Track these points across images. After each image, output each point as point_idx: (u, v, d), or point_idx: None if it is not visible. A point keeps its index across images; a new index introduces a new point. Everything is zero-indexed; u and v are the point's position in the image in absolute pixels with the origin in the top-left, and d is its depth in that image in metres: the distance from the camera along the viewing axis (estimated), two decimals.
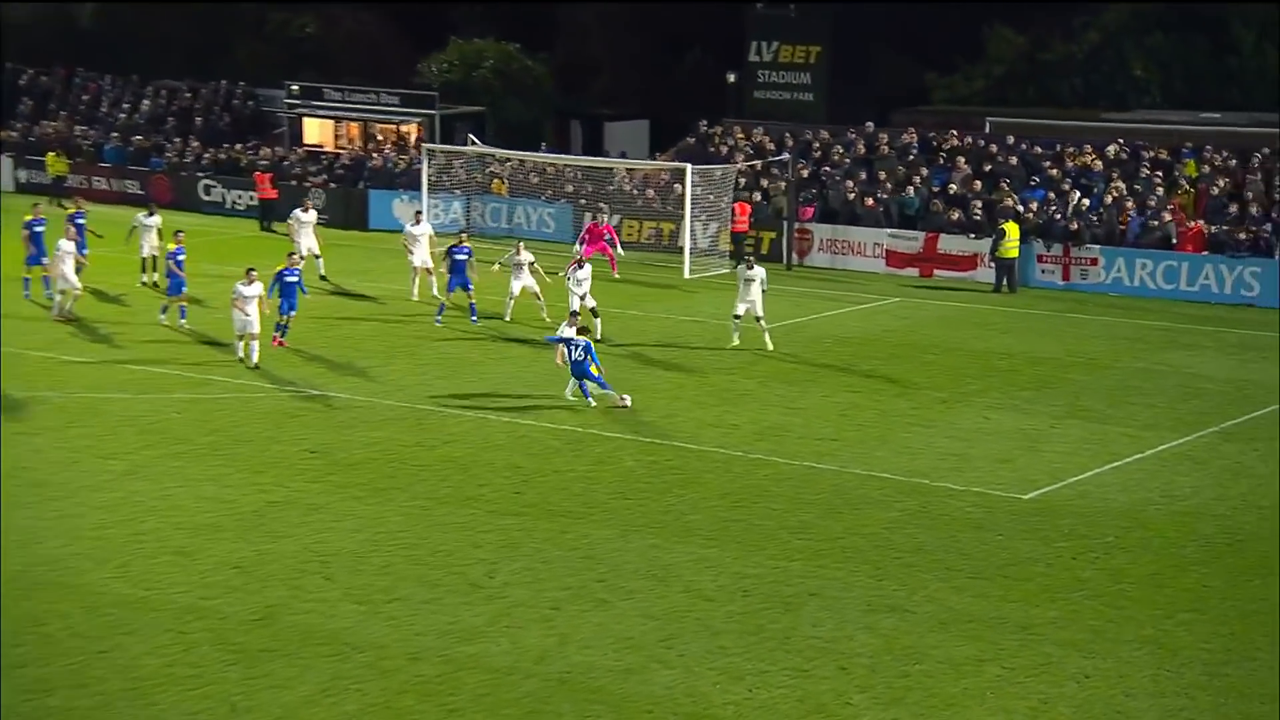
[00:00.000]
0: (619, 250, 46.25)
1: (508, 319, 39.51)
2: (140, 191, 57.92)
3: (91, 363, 34.94)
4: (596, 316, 37.09)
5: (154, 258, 43.15)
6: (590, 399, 31.43)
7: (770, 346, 36.84)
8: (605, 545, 24.13)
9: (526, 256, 39.79)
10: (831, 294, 45.51)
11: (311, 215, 46.04)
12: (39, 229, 41.38)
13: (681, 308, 43.13)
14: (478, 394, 33.04)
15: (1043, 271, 47.23)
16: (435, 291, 41.22)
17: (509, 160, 54.65)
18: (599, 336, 35.89)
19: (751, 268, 37.10)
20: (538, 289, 39.34)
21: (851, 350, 38.03)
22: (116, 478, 26.85)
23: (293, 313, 36.42)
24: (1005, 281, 46.23)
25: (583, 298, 37.12)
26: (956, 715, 18.85)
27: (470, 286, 39.45)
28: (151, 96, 65.67)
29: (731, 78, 61.41)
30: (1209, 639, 21.20)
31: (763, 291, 36.88)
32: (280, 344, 36.05)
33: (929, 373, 35.65)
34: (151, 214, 44.34)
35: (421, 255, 42.29)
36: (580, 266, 37.91)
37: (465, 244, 40.21)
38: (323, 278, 44.92)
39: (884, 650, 20.55)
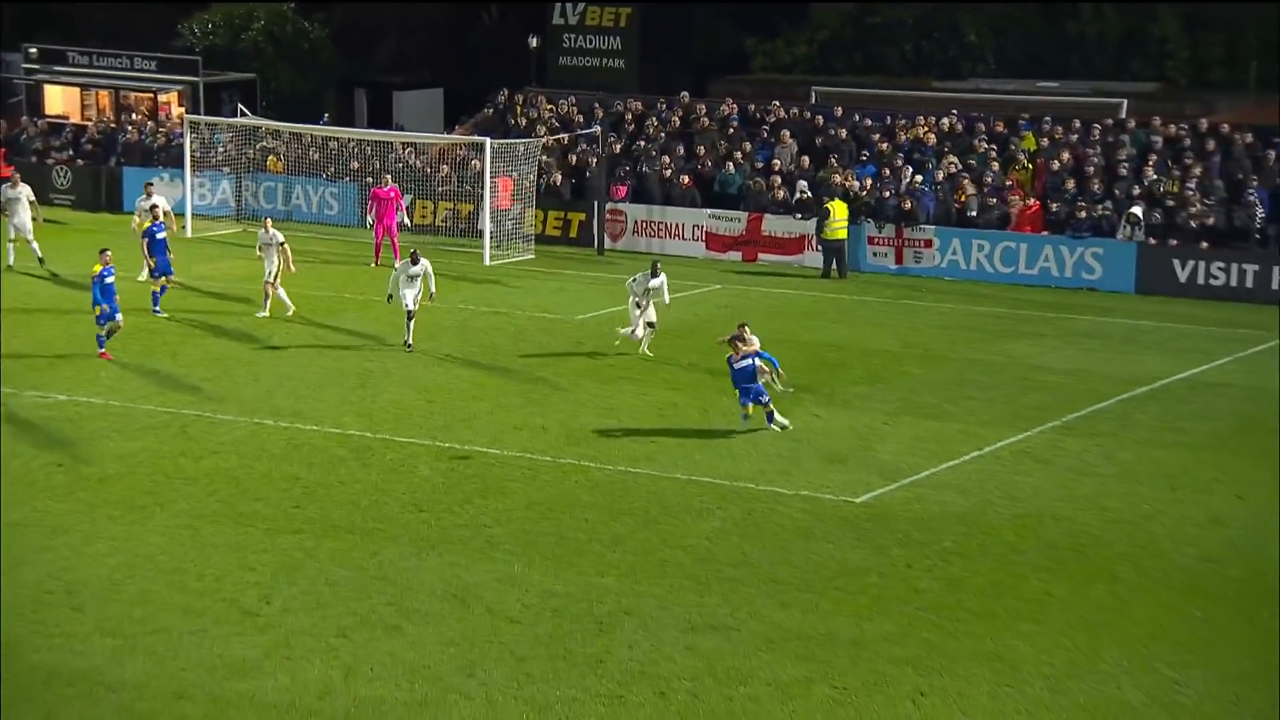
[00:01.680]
0: (407, 220, 46.28)
1: (265, 313, 39.51)
2: None
3: None
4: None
5: None
6: None
7: (649, 353, 36.92)
8: (398, 564, 23.99)
9: (277, 235, 39.72)
10: None
11: (23, 190, 45.26)
12: None
13: (481, 298, 43.05)
14: (250, 397, 32.72)
15: (874, 255, 47.93)
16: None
17: (284, 134, 54.06)
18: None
19: (656, 275, 36.61)
20: (277, 270, 39.50)
21: (670, 343, 38.14)
22: None
23: (117, 317, 35.66)
24: (834, 265, 46.79)
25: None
26: None
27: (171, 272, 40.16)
28: None
29: (534, 42, 61.42)
30: (1051, 652, 21.64)
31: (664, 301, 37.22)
32: (105, 356, 35.44)
33: None
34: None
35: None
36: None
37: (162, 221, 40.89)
38: (40, 261, 44.31)
39: (706, 673, 20.71)
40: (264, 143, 53.85)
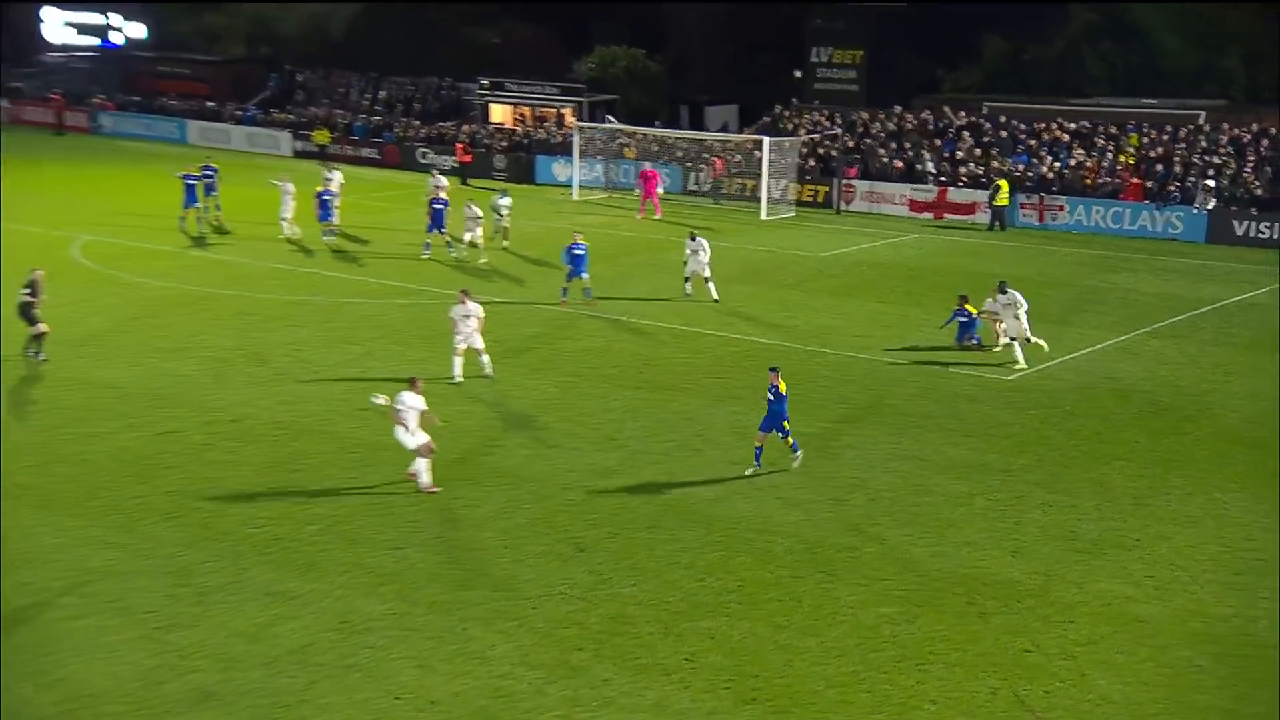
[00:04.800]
0: (660, 190, 45.86)
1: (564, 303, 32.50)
2: (378, 156, 58.24)
3: (342, 277, 34.72)
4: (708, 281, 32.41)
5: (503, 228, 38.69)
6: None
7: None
8: (700, 411, 24.09)
9: (506, 200, 38.44)
10: (867, 231, 44.85)
11: (337, 175, 40.90)
12: (327, 197, 38.25)
13: (757, 241, 42.74)
14: (611, 298, 32.74)
15: (1024, 215, 46.22)
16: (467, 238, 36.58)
17: (635, 133, 54.15)
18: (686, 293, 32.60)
19: (695, 239, 32.67)
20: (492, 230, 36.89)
21: (880, 272, 37.50)
22: (358, 359, 26.91)
23: (584, 277, 31.36)
24: (997, 223, 45.37)
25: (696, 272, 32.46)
26: (956, 533, 18.75)
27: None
28: (385, 88, 65.82)
29: (798, 74, 60.36)
30: (1136, 480, 20.93)
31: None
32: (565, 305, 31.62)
33: (937, 290, 35.09)
34: (505, 193, 39.67)
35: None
36: (693, 239, 32.59)
37: (443, 195, 37.63)
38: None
39: (901, 486, 20.43)
40: (621, 139, 53.95)
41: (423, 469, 19.49)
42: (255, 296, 31.87)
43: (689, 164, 52.14)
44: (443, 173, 43.68)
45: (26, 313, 26.00)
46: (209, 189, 40.60)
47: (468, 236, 36.35)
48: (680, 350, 28.38)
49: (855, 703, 14.18)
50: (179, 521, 18.29)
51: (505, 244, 38.28)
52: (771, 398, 20.44)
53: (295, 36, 71.33)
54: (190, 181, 39.71)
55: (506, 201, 39.19)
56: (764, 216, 47.19)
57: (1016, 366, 27.03)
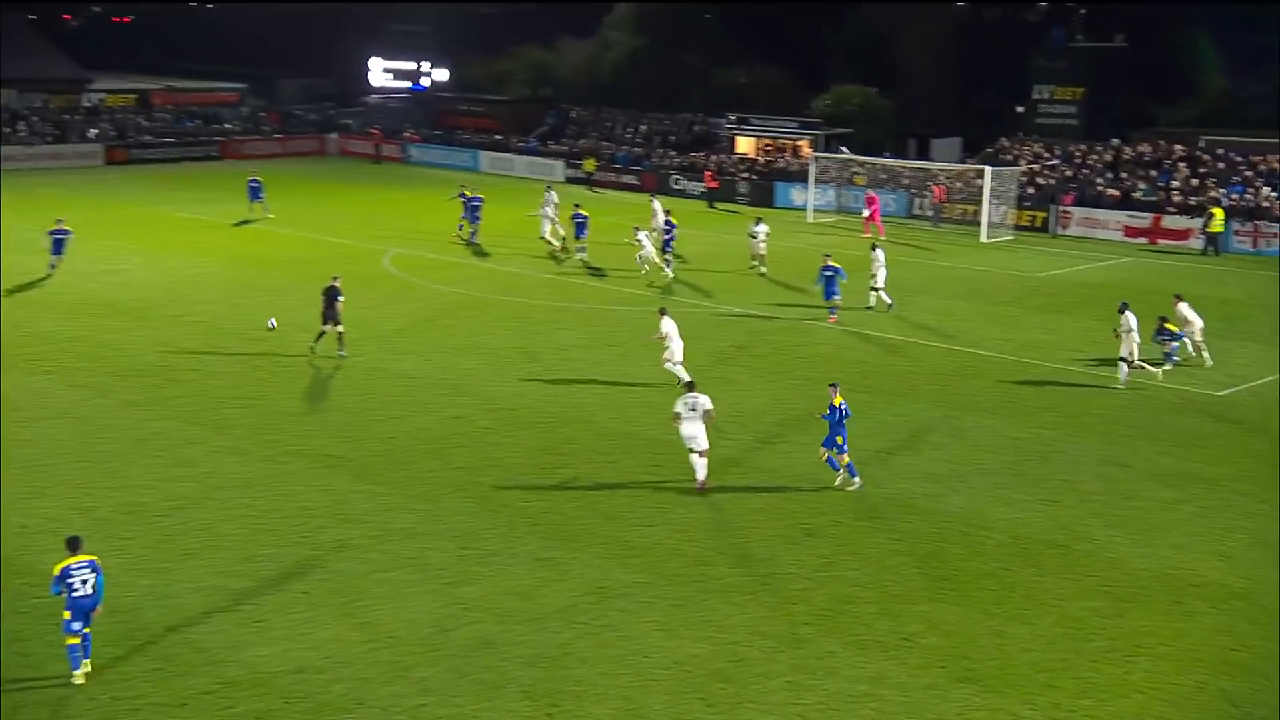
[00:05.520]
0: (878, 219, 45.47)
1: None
2: (636, 182, 59.30)
3: (602, 287, 34.83)
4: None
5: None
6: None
7: (889, 303, 31.98)
8: (921, 415, 23.55)
9: (763, 228, 36.20)
10: (1082, 254, 42.95)
11: (552, 195, 40.51)
12: (580, 220, 37.97)
13: (977, 262, 41.45)
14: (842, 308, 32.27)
15: (1238, 241, 43.36)
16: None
17: (865, 163, 53.35)
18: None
19: (875, 248, 32.52)
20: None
21: (1093, 292, 35.82)
22: (616, 359, 27.10)
23: (836, 297, 30.53)
24: (1211, 248, 42.73)
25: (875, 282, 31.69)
26: (1163, 535, 17.82)
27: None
28: (644, 123, 66.95)
29: (1019, 109, 58.33)
30: None
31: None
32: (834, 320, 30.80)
33: (1150, 311, 33.19)
34: (760, 220, 37.69)
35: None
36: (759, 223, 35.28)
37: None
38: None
39: (1109, 491, 19.53)
40: (853, 168, 53.24)
41: (700, 465, 19.05)
42: (529, 302, 32.84)
43: (913, 190, 51.10)
44: (688, 198, 44.03)
45: (330, 306, 26.26)
46: (475, 214, 41.85)
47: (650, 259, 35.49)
48: (901, 359, 27.84)
49: (1062, 687, 13.65)
50: (465, 493, 19.08)
51: (763, 270, 36.71)
52: (827, 412, 18.66)
53: (569, 79, 73.48)
54: (469, 201, 41.77)
55: (763, 229, 36.96)
56: (983, 239, 45.74)
57: (1118, 385, 25.19)
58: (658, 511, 18.49)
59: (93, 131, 62.99)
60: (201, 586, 15.75)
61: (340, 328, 26.59)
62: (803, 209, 50.96)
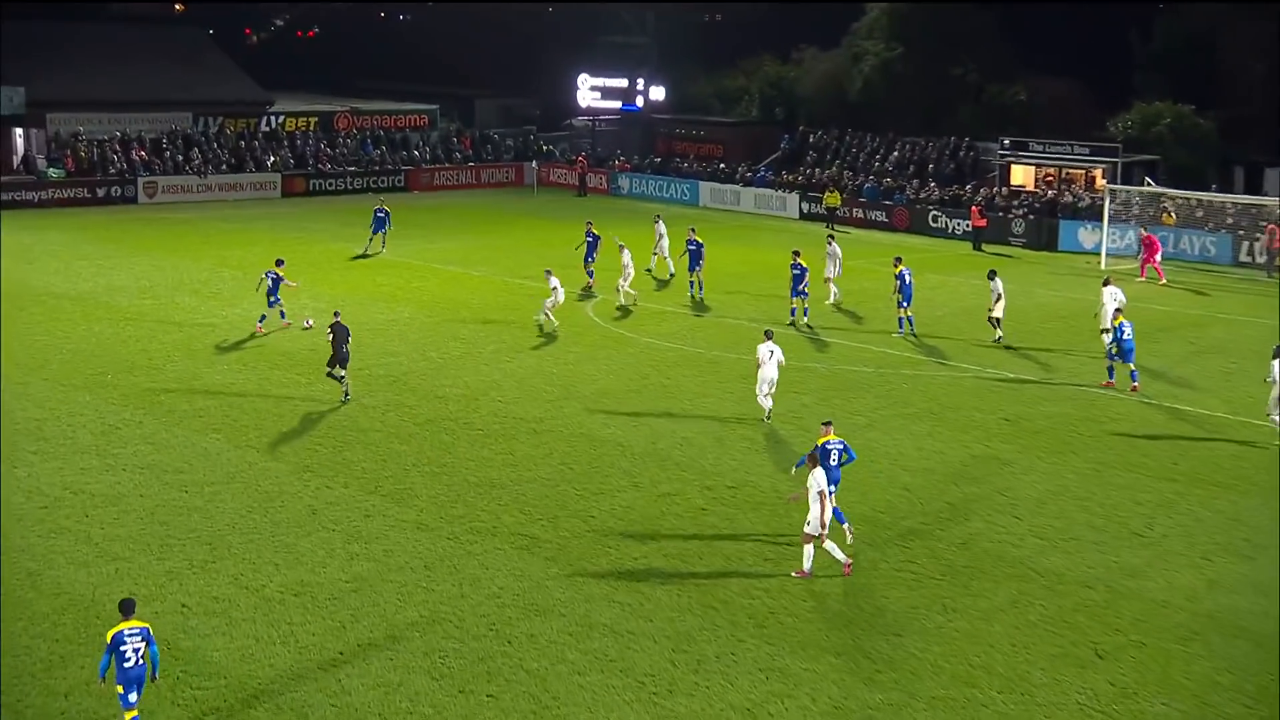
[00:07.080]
0: (1157, 257, 44.75)
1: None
2: (885, 219, 58.92)
3: (844, 344, 35.06)
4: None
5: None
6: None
7: (999, 336, 35.00)
8: (1250, 511, 22.36)
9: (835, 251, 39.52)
10: None
11: (835, 248, 40.53)
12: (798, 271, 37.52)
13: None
14: (1084, 372, 31.20)
15: None
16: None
17: (1177, 198, 51.44)
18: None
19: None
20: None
21: None
22: (859, 429, 26.92)
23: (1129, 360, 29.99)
24: None
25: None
26: None
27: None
28: (898, 149, 66.58)
29: None
30: None
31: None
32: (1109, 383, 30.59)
33: None
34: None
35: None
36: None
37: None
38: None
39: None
40: (1162, 203, 51.41)
41: (809, 553, 19.28)
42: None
43: (1241, 231, 48.89)
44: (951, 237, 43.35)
45: (340, 346, 28.19)
46: (696, 260, 41.97)
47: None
48: (1224, 440, 26.56)
49: None
50: (678, 586, 19.16)
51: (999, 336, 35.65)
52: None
53: (812, 96, 73.59)
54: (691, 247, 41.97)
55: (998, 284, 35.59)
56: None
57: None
58: (910, 618, 18.11)
59: (270, 159, 67.12)
60: (379, 683, 16.28)
61: (344, 371, 28.52)
62: (1095, 253, 49.52)
